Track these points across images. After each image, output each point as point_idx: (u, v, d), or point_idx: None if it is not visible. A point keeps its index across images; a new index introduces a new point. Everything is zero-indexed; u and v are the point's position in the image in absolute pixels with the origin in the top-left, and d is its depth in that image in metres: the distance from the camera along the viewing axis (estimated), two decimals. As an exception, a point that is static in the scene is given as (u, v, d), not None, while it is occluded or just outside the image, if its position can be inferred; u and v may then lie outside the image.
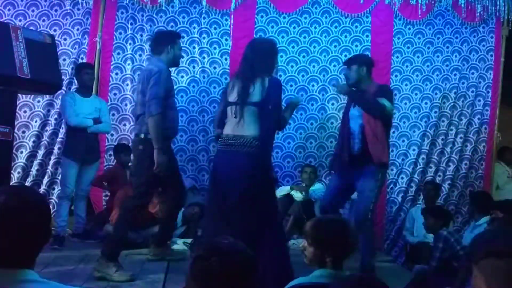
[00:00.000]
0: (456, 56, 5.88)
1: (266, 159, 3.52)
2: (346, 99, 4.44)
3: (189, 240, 4.71)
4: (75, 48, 5.27)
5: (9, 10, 5.15)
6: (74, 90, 5.05)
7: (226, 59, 5.46)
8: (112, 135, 5.33)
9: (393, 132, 5.69)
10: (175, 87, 5.30)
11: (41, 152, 5.21)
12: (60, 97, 5.02)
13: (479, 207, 4.83)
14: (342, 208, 4.96)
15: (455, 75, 5.88)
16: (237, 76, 3.57)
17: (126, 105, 5.37)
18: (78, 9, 5.26)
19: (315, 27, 5.62)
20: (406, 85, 5.78)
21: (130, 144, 5.19)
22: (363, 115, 3.98)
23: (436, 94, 5.84)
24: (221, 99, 3.80)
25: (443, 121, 5.88)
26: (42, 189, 5.12)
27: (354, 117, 4.05)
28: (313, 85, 5.63)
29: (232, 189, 3.35)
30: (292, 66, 5.60)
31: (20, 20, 5.12)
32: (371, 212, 3.99)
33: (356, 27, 5.68)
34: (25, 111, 5.15)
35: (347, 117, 4.13)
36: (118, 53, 5.36)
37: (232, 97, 3.50)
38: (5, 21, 4.83)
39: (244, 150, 3.37)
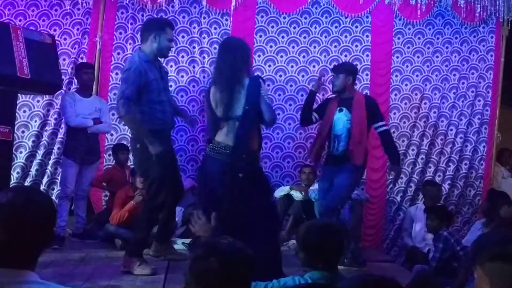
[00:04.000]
0: (455, 56, 5.88)
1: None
2: (331, 104, 4.55)
3: (188, 241, 4.70)
4: (74, 48, 5.27)
5: (9, 10, 5.15)
6: (74, 90, 5.06)
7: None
8: (112, 135, 5.33)
9: (393, 132, 5.70)
10: (175, 86, 5.35)
11: (40, 152, 5.21)
12: (60, 97, 5.02)
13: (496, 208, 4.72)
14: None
15: (454, 75, 5.88)
16: (219, 88, 3.49)
17: (126, 105, 5.36)
18: (78, 9, 5.26)
19: (315, 27, 5.62)
20: (406, 85, 5.78)
21: (128, 144, 5.22)
22: (352, 121, 4.31)
23: (435, 94, 5.84)
24: (208, 107, 3.65)
25: (442, 121, 5.88)
26: (41, 189, 5.11)
27: (341, 121, 4.37)
28: (313, 85, 5.62)
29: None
30: (292, 66, 5.60)
31: (20, 20, 5.12)
32: (340, 204, 4.46)
33: (356, 27, 5.68)
34: (24, 111, 5.15)
35: (331, 120, 4.40)
36: (118, 53, 5.36)
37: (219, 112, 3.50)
38: (5, 21, 4.84)
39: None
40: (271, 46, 5.54)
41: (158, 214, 3.95)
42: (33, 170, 5.20)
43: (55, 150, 5.23)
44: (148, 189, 3.89)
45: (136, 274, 3.70)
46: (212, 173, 3.48)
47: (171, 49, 4.02)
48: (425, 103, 5.82)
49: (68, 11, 5.25)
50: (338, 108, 4.40)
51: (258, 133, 3.64)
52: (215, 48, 5.45)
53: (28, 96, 5.08)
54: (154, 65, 3.75)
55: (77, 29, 5.28)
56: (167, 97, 3.92)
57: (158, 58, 3.85)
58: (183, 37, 5.40)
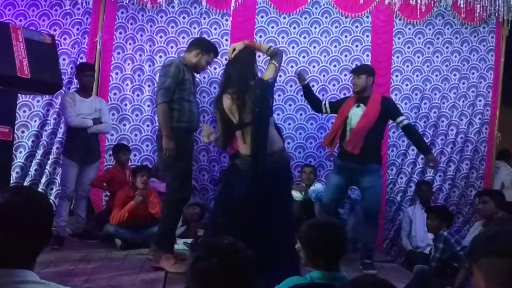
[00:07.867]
0: (456, 56, 5.88)
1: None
2: (348, 100, 4.61)
3: (189, 240, 4.71)
4: (74, 48, 5.28)
5: (9, 10, 5.15)
6: (74, 90, 5.05)
7: (226, 59, 5.43)
8: (112, 135, 5.33)
9: (393, 132, 5.71)
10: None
11: (39, 152, 5.21)
12: (59, 96, 5.02)
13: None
14: (342, 208, 4.97)
15: (454, 75, 5.89)
16: (231, 96, 3.59)
17: (126, 105, 5.37)
18: (78, 9, 5.26)
19: (315, 27, 5.62)
20: (406, 85, 5.79)
21: (129, 144, 5.25)
22: (364, 116, 4.36)
23: (435, 94, 5.84)
24: (221, 115, 3.72)
25: (442, 121, 5.88)
26: (40, 189, 5.10)
27: (357, 116, 4.42)
28: (313, 85, 5.59)
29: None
30: (292, 67, 5.59)
31: (20, 20, 5.13)
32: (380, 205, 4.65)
33: (357, 27, 5.68)
34: (24, 111, 5.15)
35: (345, 114, 4.48)
36: (118, 53, 5.36)
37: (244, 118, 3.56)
38: (5, 21, 4.84)
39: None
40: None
41: (182, 206, 4.09)
42: (32, 170, 5.20)
43: (54, 150, 5.23)
44: (172, 182, 4.00)
45: (170, 271, 3.79)
46: (247, 184, 3.52)
47: (204, 69, 4.35)
48: (425, 103, 5.82)
49: (68, 11, 5.25)
50: (356, 104, 4.49)
51: (278, 132, 3.76)
52: (215, 48, 5.46)
53: (28, 96, 5.09)
54: (189, 70, 4.04)
55: (77, 29, 5.28)
56: (195, 101, 4.16)
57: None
58: (183, 38, 5.39)
